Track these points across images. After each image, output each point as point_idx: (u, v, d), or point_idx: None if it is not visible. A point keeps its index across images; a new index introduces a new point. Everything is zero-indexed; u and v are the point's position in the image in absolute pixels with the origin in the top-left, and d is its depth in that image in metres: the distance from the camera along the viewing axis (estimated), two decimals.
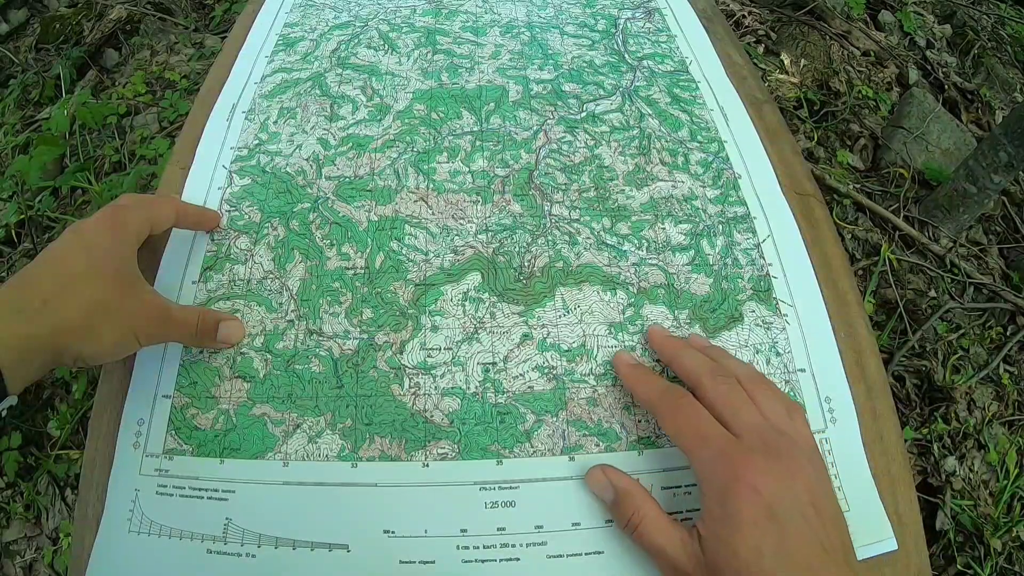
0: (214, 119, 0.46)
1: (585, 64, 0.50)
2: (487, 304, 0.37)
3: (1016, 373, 1.04)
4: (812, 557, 0.26)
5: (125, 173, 1.16)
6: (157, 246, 0.39)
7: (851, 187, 1.16)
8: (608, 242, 0.39)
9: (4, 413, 0.28)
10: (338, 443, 0.33)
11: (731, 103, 0.48)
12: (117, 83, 1.33)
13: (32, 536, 0.88)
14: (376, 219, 0.40)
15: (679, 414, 0.30)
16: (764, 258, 0.40)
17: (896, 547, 0.32)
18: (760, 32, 1.43)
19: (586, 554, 0.31)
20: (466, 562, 0.31)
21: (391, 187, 0.41)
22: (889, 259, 1.07)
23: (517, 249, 0.39)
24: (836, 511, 0.28)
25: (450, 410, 0.34)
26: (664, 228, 0.40)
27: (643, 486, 0.31)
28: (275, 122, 0.45)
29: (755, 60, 1.33)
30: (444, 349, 0.35)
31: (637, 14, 0.55)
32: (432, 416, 0.34)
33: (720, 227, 0.41)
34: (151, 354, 0.36)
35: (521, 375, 0.35)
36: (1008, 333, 1.07)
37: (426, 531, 0.31)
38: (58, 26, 1.42)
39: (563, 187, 0.42)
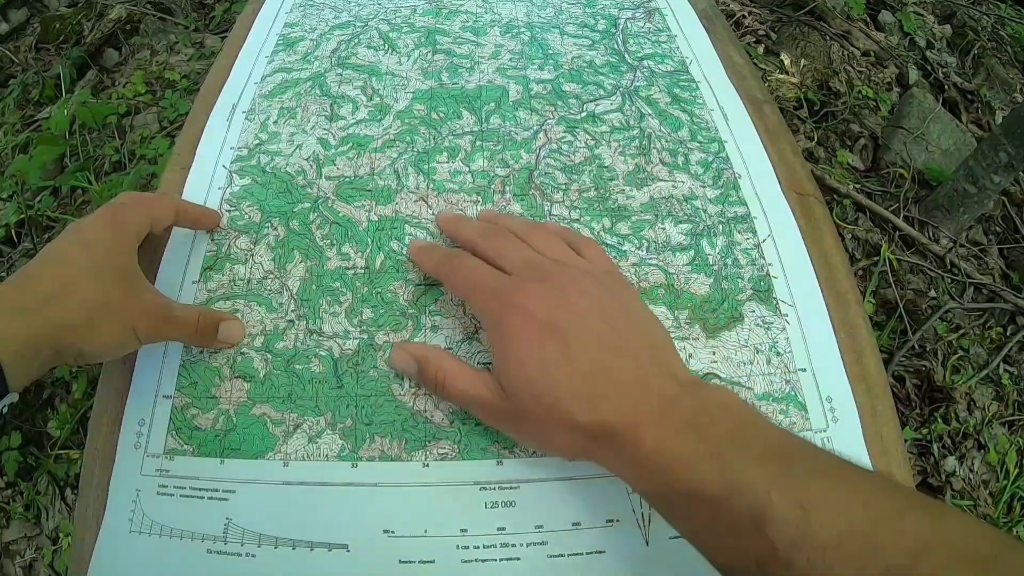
0: (214, 119, 0.46)
1: (585, 64, 0.50)
2: None
3: (1016, 373, 1.04)
4: (603, 358, 0.26)
5: (125, 173, 1.16)
6: (157, 246, 0.39)
7: (851, 187, 1.16)
8: (608, 242, 0.39)
9: (5, 411, 0.28)
10: (338, 443, 0.33)
11: (731, 103, 0.48)
12: (117, 83, 1.33)
13: (32, 536, 0.88)
14: (376, 219, 0.40)
15: (456, 272, 0.32)
16: (764, 258, 0.40)
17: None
18: (760, 32, 1.43)
19: (587, 554, 0.31)
20: (466, 562, 0.31)
21: (391, 187, 0.41)
22: (889, 259, 1.07)
23: None
24: (638, 324, 0.29)
25: (450, 410, 0.34)
26: (664, 228, 0.40)
27: (436, 347, 0.33)
28: (275, 122, 0.45)
29: (755, 60, 1.33)
30: (444, 349, 0.35)
31: (637, 14, 0.55)
32: (432, 416, 0.34)
33: (720, 227, 0.41)
34: (151, 354, 0.36)
35: None
36: (1008, 333, 1.07)
37: (426, 531, 0.31)
38: (58, 26, 1.42)
39: (563, 187, 0.42)
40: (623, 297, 0.30)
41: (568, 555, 0.31)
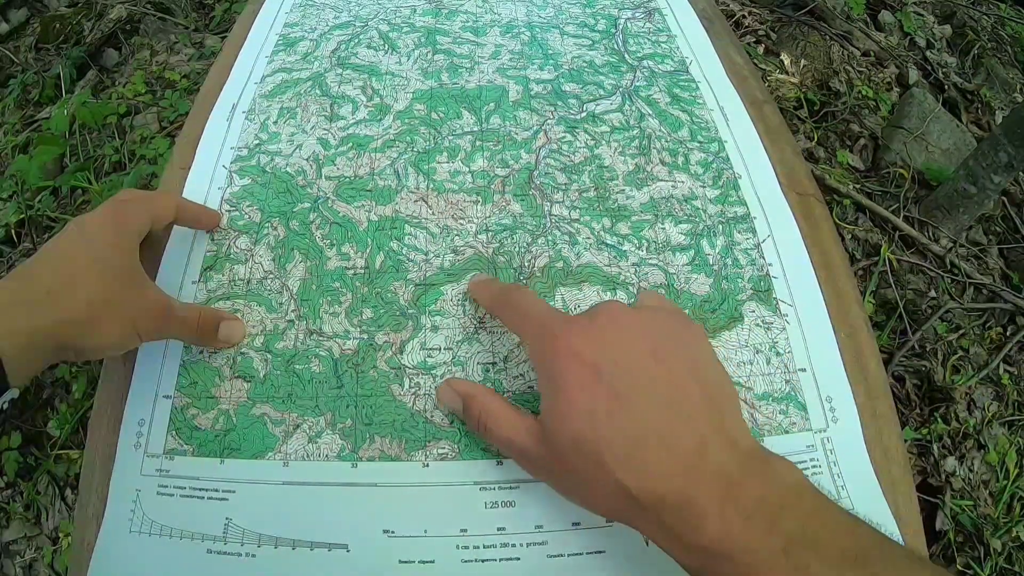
0: (214, 119, 0.46)
1: (585, 64, 0.50)
2: None
3: (1016, 373, 1.04)
4: (655, 416, 0.24)
5: (125, 173, 1.16)
6: (157, 245, 0.39)
7: (851, 187, 1.16)
8: (608, 242, 0.39)
9: (6, 407, 0.28)
10: (338, 443, 0.33)
11: (731, 103, 0.48)
12: (117, 83, 1.33)
13: (32, 536, 0.88)
14: (376, 219, 0.40)
15: (509, 305, 0.31)
16: (764, 258, 0.40)
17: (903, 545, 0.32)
18: (760, 32, 1.43)
19: (587, 554, 0.31)
20: (466, 562, 0.31)
21: (391, 187, 0.41)
22: (889, 259, 1.07)
23: (517, 249, 0.39)
24: (693, 361, 0.26)
25: (450, 410, 0.34)
26: (664, 228, 0.40)
27: (488, 388, 0.31)
28: (275, 122, 0.45)
29: (755, 60, 1.33)
30: (444, 349, 0.35)
31: (637, 14, 0.55)
32: (432, 416, 0.33)
33: (720, 227, 0.41)
34: (151, 354, 0.36)
35: (521, 375, 0.35)
36: (1008, 333, 1.07)
37: (426, 531, 0.31)
38: (58, 26, 1.42)
39: (563, 187, 0.42)
40: (682, 336, 0.27)
41: (568, 555, 0.31)
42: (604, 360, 0.25)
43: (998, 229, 1.21)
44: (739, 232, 0.40)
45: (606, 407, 0.24)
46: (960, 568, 0.87)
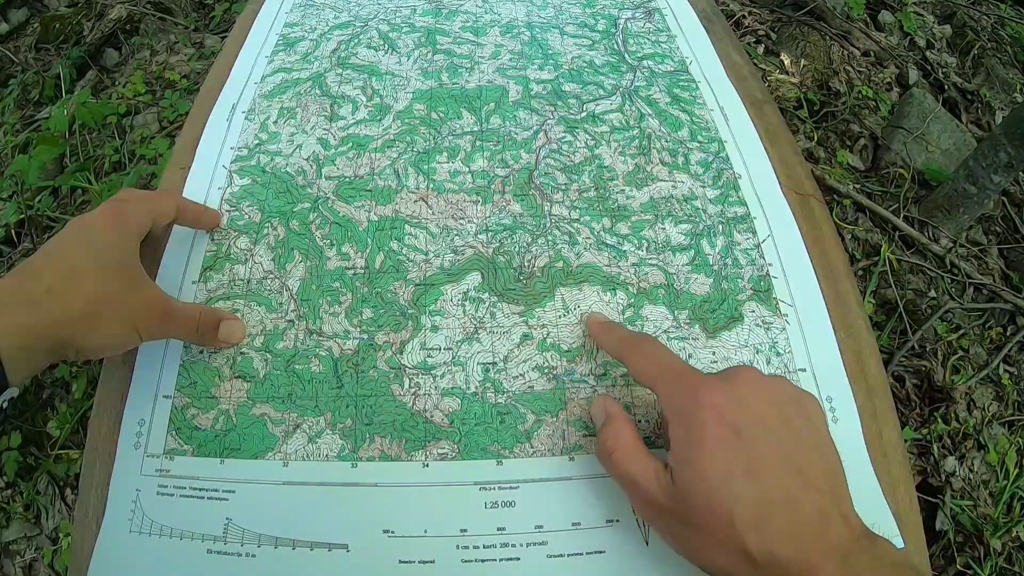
0: (214, 119, 0.46)
1: (585, 64, 0.50)
2: (487, 304, 0.37)
3: (1016, 373, 1.04)
4: (787, 482, 0.25)
5: (125, 173, 1.16)
6: (157, 245, 0.39)
7: (851, 187, 1.16)
8: (608, 242, 0.39)
9: (6, 405, 0.28)
10: (338, 443, 0.33)
11: (731, 103, 0.48)
12: (117, 83, 1.33)
13: (32, 536, 0.88)
14: (376, 219, 0.40)
15: (642, 352, 0.31)
16: (764, 258, 0.40)
17: (903, 545, 0.32)
18: (760, 32, 1.43)
19: (587, 554, 0.31)
20: (466, 562, 0.31)
21: (391, 187, 0.41)
22: (889, 259, 1.07)
23: (517, 249, 0.39)
24: (814, 432, 0.27)
25: (450, 410, 0.34)
26: (664, 228, 0.40)
27: (629, 416, 0.31)
28: (275, 122, 0.45)
29: (755, 60, 1.33)
30: (444, 349, 0.35)
31: (637, 14, 0.55)
32: (432, 416, 0.34)
33: (720, 227, 0.41)
34: (151, 354, 0.36)
35: (521, 375, 0.35)
36: (1008, 333, 1.07)
37: (426, 531, 0.31)
38: (58, 26, 1.42)
39: (563, 187, 0.42)
40: (808, 408, 0.28)
41: (568, 555, 0.31)
42: (744, 422, 0.26)
43: (998, 229, 1.21)
44: (739, 232, 0.40)
45: (743, 468, 0.25)
46: (960, 568, 0.87)
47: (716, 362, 0.36)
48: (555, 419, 0.34)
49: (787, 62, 1.35)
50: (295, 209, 0.40)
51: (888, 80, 1.39)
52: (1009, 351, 1.05)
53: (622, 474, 0.28)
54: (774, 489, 0.24)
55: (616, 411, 0.31)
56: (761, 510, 0.24)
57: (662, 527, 0.28)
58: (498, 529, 0.31)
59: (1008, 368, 1.04)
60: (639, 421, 0.34)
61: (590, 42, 0.52)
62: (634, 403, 0.34)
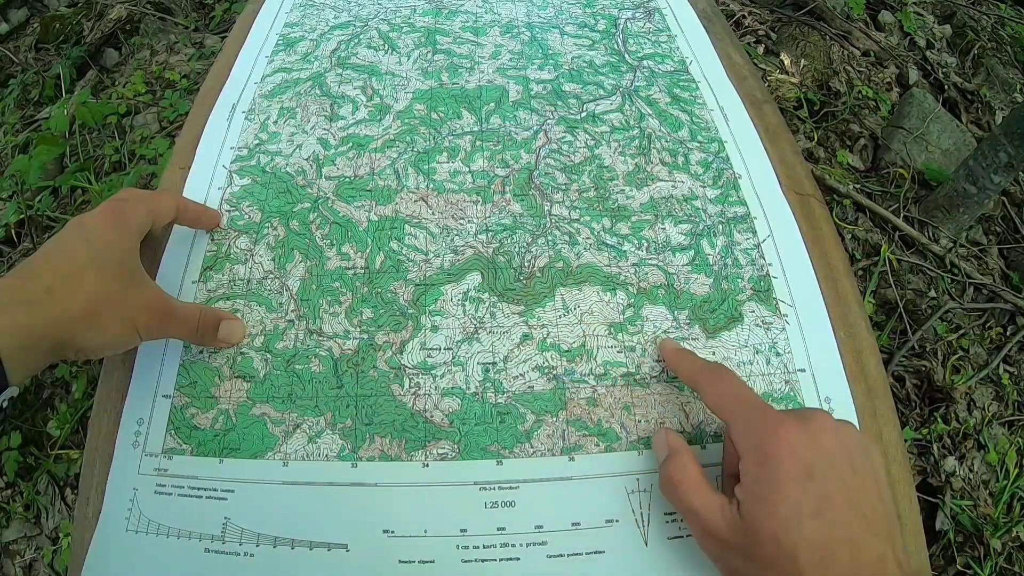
0: (214, 119, 0.46)
1: (585, 64, 0.50)
2: (487, 304, 0.37)
3: (1016, 373, 1.04)
4: (852, 524, 0.25)
5: (125, 173, 1.16)
6: (157, 245, 0.39)
7: (851, 187, 1.16)
8: (608, 242, 0.39)
9: (6, 405, 0.28)
10: (338, 443, 0.33)
11: (731, 103, 0.48)
12: (117, 83, 1.33)
13: (32, 536, 0.88)
14: (376, 219, 0.40)
15: (719, 383, 0.31)
16: (764, 258, 0.40)
17: (907, 547, 0.32)
18: (760, 32, 1.43)
19: (587, 554, 0.31)
20: (466, 562, 0.31)
21: (391, 187, 0.41)
22: (889, 259, 1.07)
23: (517, 249, 0.39)
24: (876, 477, 0.27)
25: (450, 410, 0.34)
26: (664, 228, 0.40)
27: (691, 449, 0.31)
28: (275, 122, 0.45)
29: (755, 60, 1.33)
30: (444, 349, 0.35)
31: (637, 14, 0.55)
32: (432, 416, 0.33)
33: (720, 227, 0.41)
34: (151, 354, 0.36)
35: (521, 375, 0.35)
36: (1008, 333, 1.07)
37: (426, 531, 0.31)
38: (58, 26, 1.42)
39: (563, 187, 0.42)
40: (872, 455, 0.28)
41: (568, 555, 0.31)
42: (817, 462, 0.26)
43: (998, 229, 1.21)
44: (739, 232, 0.40)
45: (813, 508, 0.25)
46: (960, 568, 0.87)
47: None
48: (555, 419, 0.34)
49: (787, 62, 1.35)
50: (295, 209, 0.40)
51: (888, 80, 1.39)
52: (1009, 351, 1.05)
53: (687, 508, 0.29)
54: (839, 531, 0.25)
55: (679, 444, 0.31)
56: (825, 551, 0.25)
57: (724, 561, 0.28)
58: (498, 529, 0.31)
59: (1008, 368, 1.04)
60: (639, 421, 0.34)
61: (590, 42, 0.52)
62: (634, 403, 0.34)
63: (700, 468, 0.30)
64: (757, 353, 0.36)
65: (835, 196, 1.16)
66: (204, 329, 0.34)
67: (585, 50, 0.51)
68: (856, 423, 0.35)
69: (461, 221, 0.40)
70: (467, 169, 0.42)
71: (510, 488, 0.32)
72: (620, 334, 0.36)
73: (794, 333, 0.37)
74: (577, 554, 0.31)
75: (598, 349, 0.35)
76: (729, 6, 1.45)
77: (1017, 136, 0.97)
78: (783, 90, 1.31)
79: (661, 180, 0.42)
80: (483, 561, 0.31)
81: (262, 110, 0.46)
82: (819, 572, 0.24)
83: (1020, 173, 1.15)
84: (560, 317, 0.36)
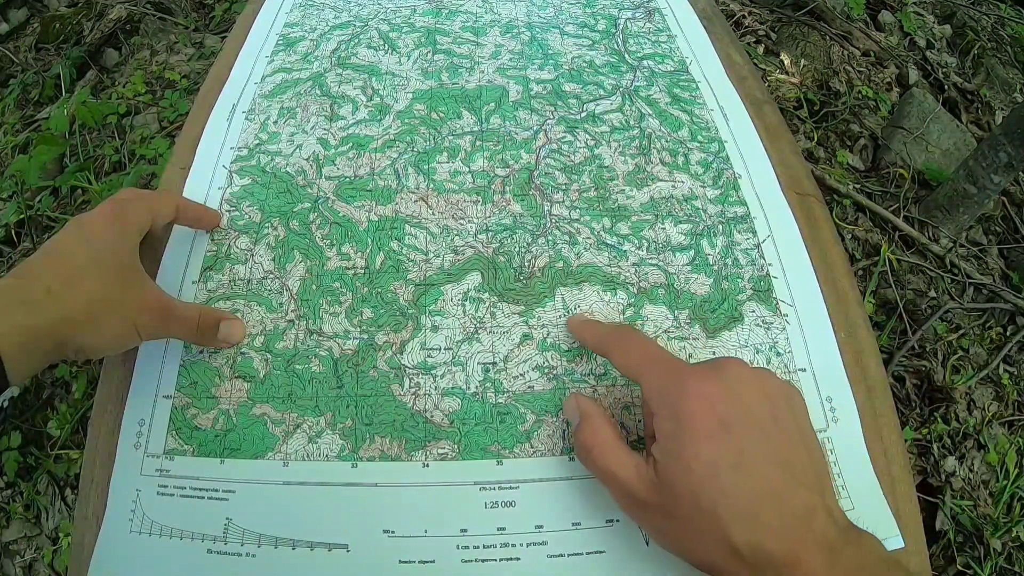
0: (214, 119, 0.46)
1: (585, 64, 0.50)
2: (487, 304, 0.37)
3: (1016, 373, 1.04)
4: (774, 476, 0.25)
5: (125, 173, 1.16)
6: (157, 245, 0.39)
7: (851, 187, 1.16)
8: (608, 242, 0.39)
9: (6, 405, 0.28)
10: (338, 443, 0.33)
11: (731, 103, 0.48)
12: (117, 83, 1.33)
13: (32, 536, 0.88)
14: (376, 219, 0.40)
15: (628, 345, 0.30)
16: (764, 258, 0.40)
17: (903, 544, 0.32)
18: (760, 32, 1.43)
19: (587, 554, 0.31)
20: (466, 562, 0.31)
21: (391, 187, 0.41)
22: (889, 259, 1.07)
23: (517, 249, 0.39)
24: (800, 426, 0.27)
25: (450, 410, 0.34)
26: (664, 228, 0.40)
27: (606, 412, 0.30)
28: (275, 122, 0.45)
29: (755, 60, 1.33)
30: (444, 349, 0.35)
31: (637, 14, 0.55)
32: (432, 416, 0.34)
33: (720, 227, 0.41)
34: (151, 354, 0.36)
35: (521, 375, 0.35)
36: (1008, 333, 1.07)
37: (426, 531, 0.31)
38: (58, 26, 1.42)
39: (563, 187, 0.42)
40: (794, 402, 0.28)
41: (568, 555, 0.31)
42: (733, 413, 0.25)
43: (998, 229, 1.21)
44: (739, 232, 0.40)
45: (730, 461, 0.25)
46: (960, 568, 0.87)
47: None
48: (555, 419, 0.34)
49: (787, 62, 1.35)
50: (295, 209, 0.40)
51: (888, 80, 1.39)
52: (1009, 351, 1.05)
53: (602, 470, 0.28)
54: (761, 483, 0.25)
55: (590, 408, 0.30)
56: (747, 503, 0.24)
57: (646, 521, 0.28)
58: (498, 529, 0.31)
59: (1008, 368, 1.04)
60: (639, 421, 0.34)
61: (590, 42, 0.52)
62: (634, 403, 0.34)
63: (615, 430, 0.29)
64: (757, 353, 0.36)
65: (835, 196, 1.16)
66: (204, 329, 0.34)
67: (585, 50, 0.51)
68: (857, 423, 0.35)
69: (461, 221, 0.40)
70: (467, 169, 0.42)
71: (510, 488, 0.32)
72: None
73: (794, 333, 0.37)
74: (577, 554, 0.31)
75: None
76: (729, 6, 1.45)
77: (1017, 136, 0.97)
78: (783, 90, 1.31)
79: (661, 180, 0.42)
80: (483, 561, 0.31)
81: (262, 110, 0.46)
82: (743, 526, 0.24)
83: (1020, 173, 1.15)
84: (560, 317, 0.36)
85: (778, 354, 0.36)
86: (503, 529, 0.31)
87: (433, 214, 0.40)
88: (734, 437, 0.25)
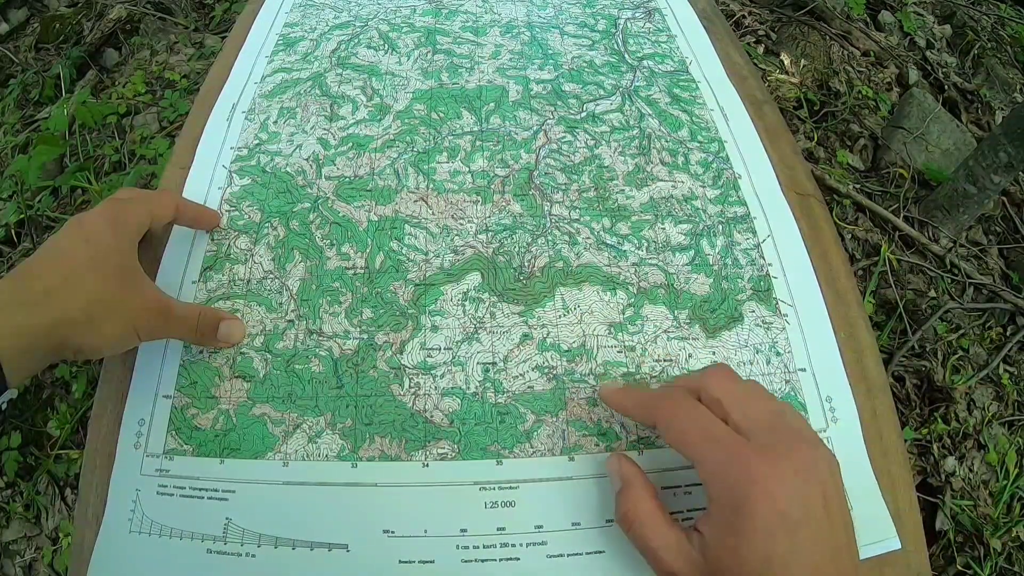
0: (214, 119, 0.46)
1: (585, 64, 0.50)
2: (487, 304, 0.37)
3: (1016, 373, 1.04)
4: (822, 563, 0.25)
5: (125, 173, 1.16)
6: (157, 245, 0.39)
7: (851, 187, 1.16)
8: (608, 242, 0.39)
9: (5, 406, 0.28)
10: (338, 443, 0.33)
11: (731, 103, 0.48)
12: (117, 83, 1.33)
13: (32, 536, 0.88)
14: (376, 219, 0.40)
15: (681, 419, 0.28)
16: (764, 258, 0.40)
17: (900, 546, 0.32)
18: (760, 32, 1.43)
19: (586, 554, 0.31)
20: (466, 562, 0.31)
21: (391, 187, 0.41)
22: (889, 259, 1.07)
23: (517, 249, 0.39)
24: (845, 509, 0.27)
25: (450, 410, 0.34)
26: (664, 228, 0.40)
27: (648, 480, 0.30)
28: (275, 122, 0.45)
29: (755, 60, 1.33)
30: (444, 349, 0.35)
31: (637, 14, 0.55)
32: (432, 416, 0.34)
33: (720, 227, 0.41)
34: (151, 354, 0.36)
35: (521, 375, 0.35)
36: (1008, 333, 1.07)
37: (426, 531, 0.31)
38: (58, 26, 1.42)
39: (563, 187, 0.42)
40: (836, 478, 0.27)
41: (568, 555, 0.31)
42: (793, 508, 0.25)
43: (998, 229, 1.21)
44: (739, 232, 0.40)
45: (784, 554, 0.25)
46: (960, 568, 0.87)
47: (716, 362, 0.36)
48: (555, 419, 0.34)
49: (787, 62, 1.35)
50: (295, 209, 0.40)
51: (888, 80, 1.39)
52: (1009, 351, 1.05)
53: (644, 546, 0.28)
54: (808, 569, 0.25)
55: (632, 476, 0.30)
56: None
57: None
58: (498, 529, 0.31)
59: (1008, 368, 1.04)
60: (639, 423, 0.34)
61: (590, 42, 0.52)
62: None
63: (656, 502, 0.28)
64: (757, 353, 0.36)
65: (835, 196, 1.16)
66: (204, 329, 0.34)
67: (585, 50, 0.51)
68: (857, 423, 0.35)
69: (461, 221, 0.40)
70: (467, 169, 0.42)
71: (510, 488, 0.32)
72: (620, 334, 0.36)
73: (794, 333, 0.37)
74: (577, 554, 0.31)
75: (598, 349, 0.35)
76: (729, 6, 1.45)
77: (1017, 136, 0.97)
78: (783, 90, 1.31)
79: (661, 180, 0.42)
80: (483, 561, 0.31)
81: (262, 110, 0.46)
82: None
83: (1020, 173, 1.15)
84: (560, 317, 0.36)
85: (778, 354, 0.36)
86: (503, 529, 0.31)
87: (433, 214, 0.40)
88: (791, 534, 0.25)
